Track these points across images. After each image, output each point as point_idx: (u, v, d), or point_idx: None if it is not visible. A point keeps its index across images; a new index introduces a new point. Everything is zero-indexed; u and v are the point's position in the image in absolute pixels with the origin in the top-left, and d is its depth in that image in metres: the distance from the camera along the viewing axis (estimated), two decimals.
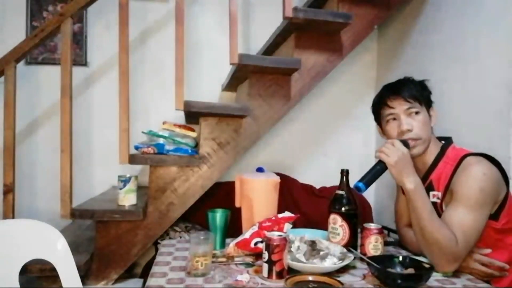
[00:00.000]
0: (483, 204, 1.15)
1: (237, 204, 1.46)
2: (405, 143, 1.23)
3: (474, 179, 1.16)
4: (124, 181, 1.64)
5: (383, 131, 1.37)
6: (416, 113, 1.27)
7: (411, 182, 1.16)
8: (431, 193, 1.28)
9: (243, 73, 1.77)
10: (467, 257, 1.17)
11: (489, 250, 1.19)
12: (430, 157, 1.30)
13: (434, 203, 1.24)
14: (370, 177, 1.23)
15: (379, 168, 1.23)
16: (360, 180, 1.23)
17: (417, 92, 1.28)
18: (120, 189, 1.64)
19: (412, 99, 1.27)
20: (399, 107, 1.28)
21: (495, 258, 1.18)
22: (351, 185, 1.27)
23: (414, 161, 1.25)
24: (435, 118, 1.32)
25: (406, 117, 1.27)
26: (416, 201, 1.15)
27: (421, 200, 1.15)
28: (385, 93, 1.32)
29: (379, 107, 1.34)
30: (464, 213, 1.14)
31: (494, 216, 1.19)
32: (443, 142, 1.32)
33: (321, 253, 1.15)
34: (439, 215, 1.19)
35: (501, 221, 1.20)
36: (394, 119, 1.30)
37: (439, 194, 1.27)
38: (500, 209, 1.20)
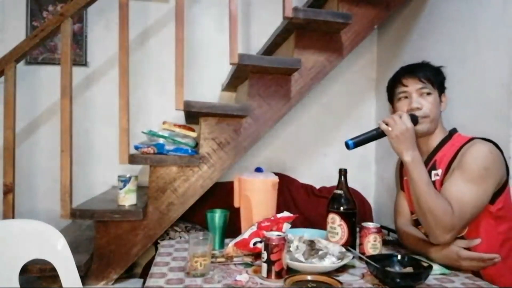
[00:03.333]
0: (484, 180, 1.18)
1: (236, 204, 1.46)
2: (413, 117, 1.25)
3: (480, 155, 1.19)
4: (124, 181, 1.64)
5: (394, 110, 1.40)
6: (428, 94, 1.31)
7: (409, 155, 1.20)
8: (433, 172, 1.30)
9: (243, 73, 1.77)
10: (457, 256, 1.17)
11: (477, 241, 1.19)
12: (435, 140, 1.33)
13: (434, 181, 1.27)
14: (362, 139, 1.26)
15: (375, 133, 1.26)
16: (352, 138, 1.25)
17: (431, 75, 1.32)
18: (120, 189, 1.64)
19: (426, 80, 1.31)
20: (412, 86, 1.32)
21: (485, 246, 1.19)
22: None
23: (419, 142, 1.29)
24: (445, 104, 1.36)
25: (418, 97, 1.31)
26: (413, 172, 1.19)
27: (418, 172, 1.19)
28: (401, 72, 1.37)
29: (393, 85, 1.38)
30: (464, 185, 1.17)
31: (491, 199, 1.21)
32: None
33: (320, 252, 1.15)
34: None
35: (497, 205, 1.21)
36: (406, 97, 1.33)
37: (440, 171, 1.29)
38: (498, 193, 1.22)
